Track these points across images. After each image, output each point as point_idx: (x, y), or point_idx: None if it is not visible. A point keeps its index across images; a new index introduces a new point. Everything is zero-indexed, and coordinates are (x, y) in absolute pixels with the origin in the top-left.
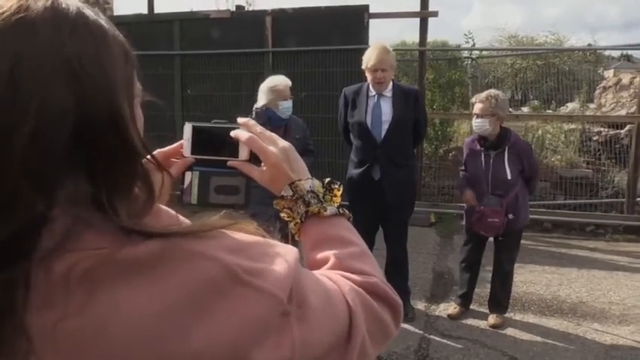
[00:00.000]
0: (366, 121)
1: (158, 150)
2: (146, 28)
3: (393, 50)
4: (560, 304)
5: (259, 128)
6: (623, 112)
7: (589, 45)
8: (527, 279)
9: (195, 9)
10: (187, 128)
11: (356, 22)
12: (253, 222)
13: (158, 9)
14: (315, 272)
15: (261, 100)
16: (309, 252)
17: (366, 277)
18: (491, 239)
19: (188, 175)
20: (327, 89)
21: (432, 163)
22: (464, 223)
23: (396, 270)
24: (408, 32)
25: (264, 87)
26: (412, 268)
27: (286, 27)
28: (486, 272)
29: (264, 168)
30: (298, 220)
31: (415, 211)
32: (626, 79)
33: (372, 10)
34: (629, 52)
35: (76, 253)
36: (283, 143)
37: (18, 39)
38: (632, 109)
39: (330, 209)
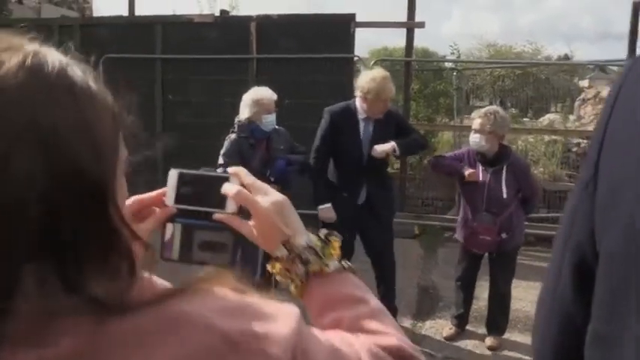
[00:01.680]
0: (360, 145)
1: (136, 197)
2: (126, 31)
3: (378, 60)
4: None
5: (251, 179)
6: None
7: (565, 55)
8: (513, 295)
9: (177, 12)
10: (173, 175)
11: (342, 30)
12: (235, 274)
13: (139, 11)
14: (327, 332)
15: (244, 112)
16: (316, 318)
17: (384, 337)
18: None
19: (169, 228)
20: (312, 97)
21: (416, 174)
22: (456, 236)
23: (386, 287)
24: (389, 38)
25: (247, 99)
26: (397, 282)
27: (271, 33)
28: (477, 289)
29: (255, 223)
30: (299, 282)
31: (399, 222)
32: (604, 92)
33: (358, 19)
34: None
35: (47, 349)
36: (276, 196)
37: None
38: None
39: (333, 265)
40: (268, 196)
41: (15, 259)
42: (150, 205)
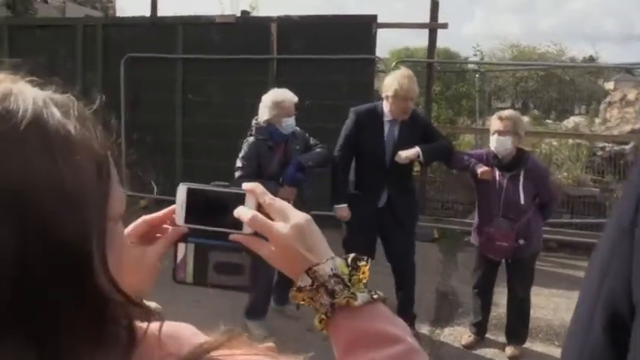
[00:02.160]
0: (383, 147)
1: (144, 217)
2: (148, 31)
3: (400, 61)
4: None
5: (268, 198)
6: (628, 128)
7: (590, 57)
8: (533, 303)
9: (199, 13)
10: (181, 191)
11: (364, 31)
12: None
13: (162, 12)
14: None
15: (264, 114)
16: (342, 357)
17: None
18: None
19: (182, 248)
20: (333, 99)
21: (437, 177)
22: (471, 240)
23: (405, 294)
24: (410, 38)
25: (267, 101)
26: (415, 288)
27: (292, 34)
28: (496, 296)
29: (275, 250)
30: (324, 316)
31: (418, 226)
32: (631, 94)
33: (380, 20)
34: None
35: None
36: (297, 218)
37: None
38: (638, 125)
39: (362, 297)
40: (288, 220)
41: None
42: (159, 224)
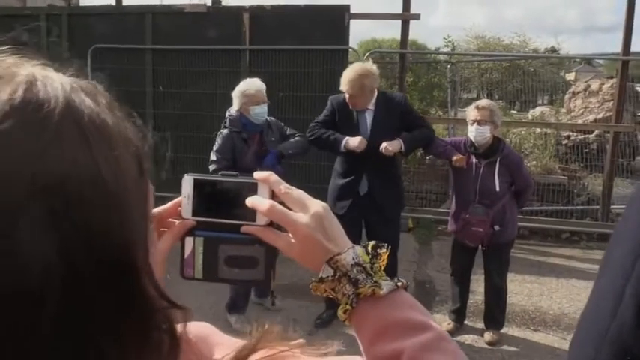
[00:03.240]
0: (357, 135)
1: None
2: (115, 21)
3: (373, 52)
4: (543, 316)
5: (284, 186)
6: (591, 118)
7: (552, 48)
8: (508, 289)
9: (168, 2)
10: (187, 182)
11: (337, 21)
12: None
13: (127, 1)
14: None
15: (235, 104)
16: (369, 347)
17: None
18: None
19: (189, 242)
20: (306, 90)
21: (410, 167)
22: (448, 227)
23: None
24: (377, 30)
25: (236, 91)
26: None
27: (264, 24)
28: (474, 283)
29: (293, 240)
30: (348, 307)
31: None
32: (594, 85)
33: (352, 11)
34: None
35: None
36: (315, 207)
37: None
38: (600, 115)
39: (387, 285)
40: (306, 209)
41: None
42: (164, 219)
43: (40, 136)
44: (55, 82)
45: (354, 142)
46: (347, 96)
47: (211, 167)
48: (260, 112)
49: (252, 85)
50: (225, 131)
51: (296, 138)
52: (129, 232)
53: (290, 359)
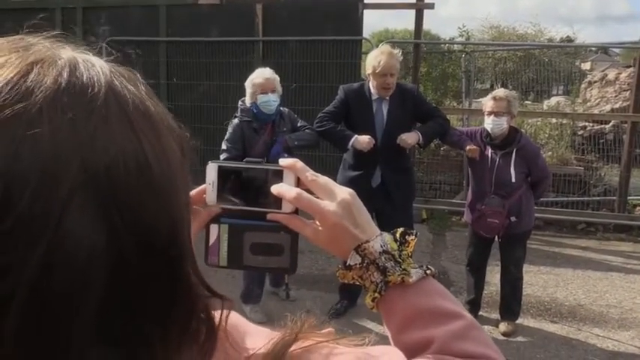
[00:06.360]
0: (373, 126)
1: None
2: (130, 13)
3: (384, 42)
4: (558, 308)
5: (310, 174)
6: (608, 108)
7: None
8: (524, 280)
9: None
10: (211, 169)
11: (350, 12)
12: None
13: None
14: None
15: (247, 94)
16: (397, 335)
17: None
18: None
19: (214, 229)
20: (319, 81)
21: (424, 158)
22: (464, 218)
23: None
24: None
25: (247, 80)
26: None
27: (277, 16)
28: (489, 274)
29: (320, 227)
30: (377, 295)
31: None
32: (611, 74)
33: (366, 1)
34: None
35: None
36: (342, 193)
37: (13, 143)
38: (617, 105)
39: (416, 273)
40: (334, 196)
41: (76, 346)
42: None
43: (88, 120)
44: (96, 67)
45: (362, 141)
46: (376, 81)
47: (222, 156)
48: (267, 101)
49: (261, 74)
50: (235, 120)
51: (306, 130)
52: (174, 218)
53: (326, 350)
